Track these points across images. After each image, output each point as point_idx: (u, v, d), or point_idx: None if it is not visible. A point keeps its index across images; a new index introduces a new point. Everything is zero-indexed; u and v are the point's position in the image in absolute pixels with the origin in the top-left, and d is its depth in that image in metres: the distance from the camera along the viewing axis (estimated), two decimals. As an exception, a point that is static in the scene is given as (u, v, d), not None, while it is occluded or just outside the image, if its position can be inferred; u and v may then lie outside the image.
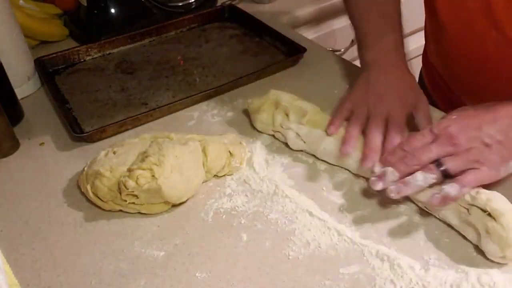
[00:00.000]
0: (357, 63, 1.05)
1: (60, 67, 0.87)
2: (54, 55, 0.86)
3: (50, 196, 0.62)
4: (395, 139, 0.60)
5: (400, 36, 0.71)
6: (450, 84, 0.80)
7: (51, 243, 0.56)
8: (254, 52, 0.90)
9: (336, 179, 0.62)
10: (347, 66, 0.85)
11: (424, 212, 0.57)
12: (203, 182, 0.61)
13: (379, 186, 0.55)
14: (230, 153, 0.63)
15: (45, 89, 0.82)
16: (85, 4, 0.94)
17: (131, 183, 0.55)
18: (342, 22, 1.22)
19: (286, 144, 0.68)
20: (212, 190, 0.62)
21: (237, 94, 0.79)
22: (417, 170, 0.54)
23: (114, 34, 0.91)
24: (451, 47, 0.72)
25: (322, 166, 0.64)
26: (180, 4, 1.03)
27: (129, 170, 0.57)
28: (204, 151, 0.61)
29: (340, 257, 0.53)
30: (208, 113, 0.75)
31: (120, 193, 0.57)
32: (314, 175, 0.63)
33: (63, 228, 0.58)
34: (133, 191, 0.56)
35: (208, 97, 0.78)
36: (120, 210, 0.59)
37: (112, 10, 0.95)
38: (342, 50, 1.22)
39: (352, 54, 1.28)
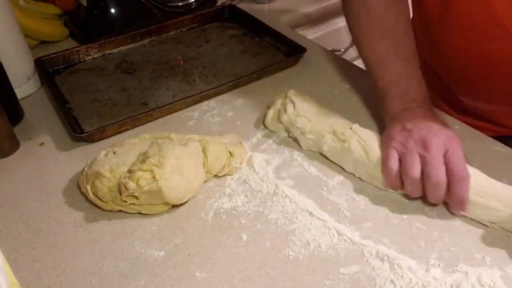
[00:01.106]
0: (357, 63, 1.05)
1: (60, 67, 0.87)
2: (54, 55, 0.86)
3: (50, 196, 0.62)
4: (464, 172, 0.53)
5: (424, 85, 0.65)
6: (446, 82, 0.80)
7: (51, 243, 0.56)
8: (254, 52, 0.90)
9: (336, 179, 0.62)
10: (347, 66, 0.85)
11: (424, 213, 0.57)
12: (203, 182, 0.61)
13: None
14: (230, 153, 0.63)
15: (45, 89, 0.82)
16: (85, 4, 0.94)
17: (131, 185, 0.55)
18: (342, 22, 1.23)
19: (286, 144, 0.68)
20: (212, 190, 0.62)
21: (237, 94, 0.79)
22: None
23: (114, 34, 0.92)
24: (449, 45, 0.71)
25: (322, 166, 0.64)
26: (180, 4, 1.03)
27: (130, 171, 0.57)
28: (204, 151, 0.61)
29: (340, 257, 0.53)
30: (208, 113, 0.75)
31: (120, 194, 0.57)
32: (314, 175, 0.63)
33: (63, 228, 0.58)
34: (133, 192, 0.56)
35: (208, 97, 0.78)
36: (120, 210, 0.59)
37: (112, 10, 0.95)
38: (342, 50, 1.22)
39: (352, 54, 1.28)
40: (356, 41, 0.71)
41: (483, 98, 0.75)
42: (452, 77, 0.77)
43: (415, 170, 0.54)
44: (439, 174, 0.52)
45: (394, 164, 0.56)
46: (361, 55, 0.69)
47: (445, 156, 0.54)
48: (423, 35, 0.78)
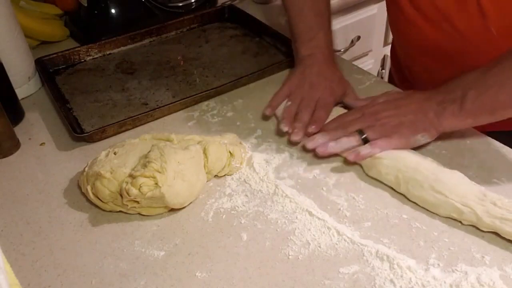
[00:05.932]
0: (357, 63, 1.06)
1: (60, 67, 0.87)
2: (54, 55, 0.87)
3: (51, 196, 0.62)
4: (321, 114, 0.70)
5: (330, 34, 0.80)
6: (412, 78, 0.84)
7: (51, 243, 0.56)
8: (254, 52, 0.90)
9: (336, 179, 0.63)
10: (346, 66, 0.85)
11: (423, 212, 0.57)
12: (203, 182, 0.62)
13: (298, 137, 0.67)
14: (230, 153, 0.64)
15: (45, 89, 0.82)
16: (86, 5, 0.94)
17: (134, 191, 0.55)
18: (342, 23, 1.23)
19: (286, 144, 0.68)
20: (212, 190, 0.62)
21: (237, 94, 0.79)
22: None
23: (115, 34, 0.92)
24: (411, 39, 0.77)
25: (322, 166, 0.64)
26: (180, 4, 1.03)
27: (132, 176, 0.56)
28: (204, 152, 0.61)
29: (340, 257, 0.53)
30: (208, 113, 0.75)
31: (122, 196, 0.56)
32: (314, 175, 0.63)
33: (64, 228, 0.58)
34: (135, 198, 0.55)
35: (208, 97, 0.78)
36: (121, 211, 0.59)
37: (113, 11, 0.95)
38: (342, 50, 1.22)
39: (351, 54, 1.28)
40: None
41: None
42: (417, 71, 0.82)
43: (291, 111, 0.71)
44: (303, 117, 0.69)
45: (280, 99, 0.74)
46: (284, 4, 0.83)
47: (317, 101, 0.71)
48: (394, 34, 0.84)
